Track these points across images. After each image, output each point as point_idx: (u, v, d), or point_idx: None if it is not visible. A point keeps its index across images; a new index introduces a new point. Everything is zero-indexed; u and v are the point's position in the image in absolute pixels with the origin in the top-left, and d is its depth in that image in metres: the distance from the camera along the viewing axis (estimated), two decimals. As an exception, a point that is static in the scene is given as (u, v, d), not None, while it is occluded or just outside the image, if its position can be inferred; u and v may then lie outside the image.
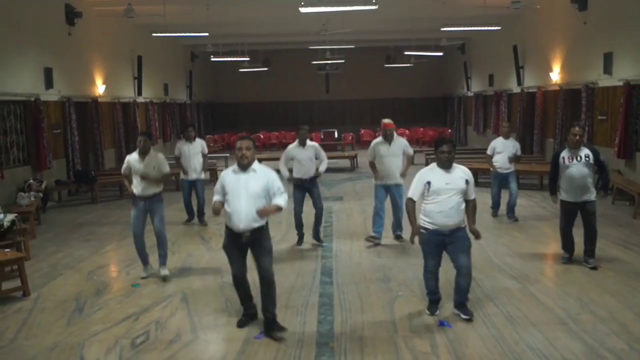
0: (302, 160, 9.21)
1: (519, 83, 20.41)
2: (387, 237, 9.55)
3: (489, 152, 11.33)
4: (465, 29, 19.16)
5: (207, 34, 19.73)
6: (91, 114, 16.91)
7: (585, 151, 7.74)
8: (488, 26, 17.48)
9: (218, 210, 5.86)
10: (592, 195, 7.78)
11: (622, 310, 6.36)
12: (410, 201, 6.20)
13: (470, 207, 6.21)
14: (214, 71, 31.82)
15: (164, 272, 7.93)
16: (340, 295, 7.11)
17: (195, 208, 11.44)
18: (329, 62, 28.34)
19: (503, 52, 21.57)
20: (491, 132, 23.45)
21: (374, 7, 12.76)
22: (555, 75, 17.42)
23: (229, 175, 5.90)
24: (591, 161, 7.68)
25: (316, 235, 9.57)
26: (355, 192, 15.05)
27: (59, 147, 14.83)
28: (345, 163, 20.76)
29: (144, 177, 7.66)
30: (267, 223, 5.95)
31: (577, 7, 15.00)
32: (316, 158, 9.36)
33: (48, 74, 14.16)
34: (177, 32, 18.39)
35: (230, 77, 31.47)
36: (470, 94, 27.06)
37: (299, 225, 9.47)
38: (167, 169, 7.97)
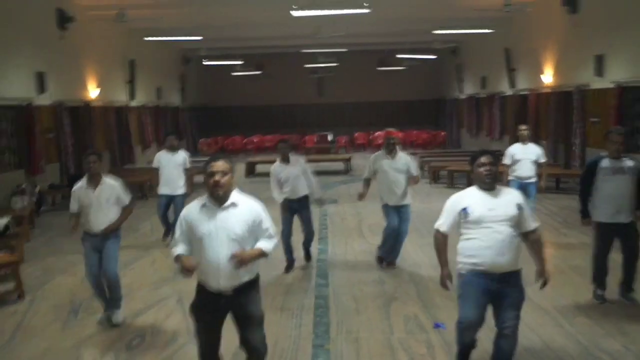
0: (288, 178, 8.02)
1: (512, 86, 20.49)
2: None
3: (506, 161, 9.44)
4: (458, 31, 19.25)
5: (200, 38, 19.71)
6: (84, 118, 16.85)
7: (628, 162, 6.41)
8: (480, 29, 17.57)
9: (191, 268, 4.13)
10: (632, 215, 6.46)
11: (617, 311, 6.39)
12: (440, 234, 4.73)
13: (534, 240, 4.71)
14: (207, 75, 31.78)
15: (116, 317, 6.36)
16: (336, 298, 7.12)
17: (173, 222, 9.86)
18: (322, 65, 28.38)
19: (495, 55, 21.65)
20: (485, 134, 23.52)
21: (366, 11, 12.79)
22: (547, 78, 17.50)
23: (195, 213, 4.22)
24: (636, 174, 6.38)
25: (306, 254, 8.59)
26: (349, 195, 15.06)
27: (53, 152, 14.77)
28: (339, 166, 20.77)
29: (108, 232, 6.25)
30: (257, 277, 4.39)
31: (568, 10, 15.07)
32: (307, 179, 8.20)
33: (40, 79, 14.10)
34: (170, 35, 18.38)
35: (223, 80, 31.42)
36: (463, 96, 27.15)
37: (288, 250, 8.18)
38: (126, 200, 6.42)
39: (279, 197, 8.02)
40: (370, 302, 6.91)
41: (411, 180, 8.09)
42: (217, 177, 4.11)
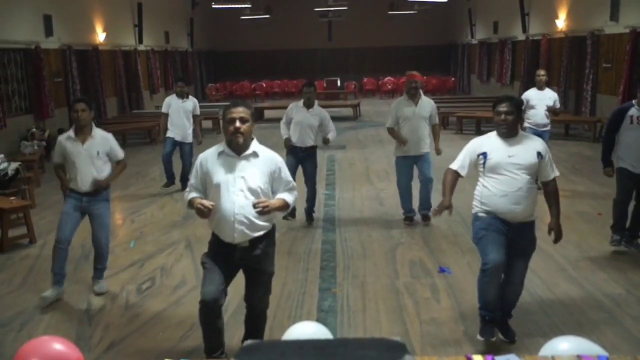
0: (301, 124, 7.56)
1: (524, 31, 20.13)
2: (391, 190, 9.58)
3: None
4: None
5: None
6: (92, 63, 16.79)
7: None
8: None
9: (205, 214, 3.90)
10: None
11: (622, 258, 6.43)
12: (454, 173, 4.60)
13: (550, 191, 4.57)
14: (215, 19, 31.35)
15: (100, 286, 5.86)
16: (343, 242, 7.20)
17: (179, 172, 9.87)
18: (332, 9, 27.90)
19: (509, -1, 21.22)
20: (495, 80, 23.27)
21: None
22: (561, 23, 17.17)
23: (213, 160, 4.03)
24: None
25: (308, 214, 8.01)
26: (358, 141, 15.05)
27: (61, 96, 14.77)
28: (348, 112, 20.68)
29: (97, 188, 5.63)
30: (274, 229, 4.26)
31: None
32: (323, 128, 7.71)
33: (48, 21, 14.00)
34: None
35: (231, 24, 31.01)
36: (474, 41, 26.72)
37: None
38: (120, 154, 5.84)
39: (284, 132, 7.72)
40: (377, 247, 6.99)
41: (437, 129, 7.75)
42: (237, 124, 3.87)
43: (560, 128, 14.43)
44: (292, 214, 7.77)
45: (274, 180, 4.06)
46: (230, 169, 3.95)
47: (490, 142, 4.50)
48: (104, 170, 5.70)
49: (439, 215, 4.76)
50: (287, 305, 5.49)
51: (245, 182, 3.93)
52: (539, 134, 8.49)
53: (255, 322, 4.36)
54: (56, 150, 5.77)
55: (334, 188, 9.97)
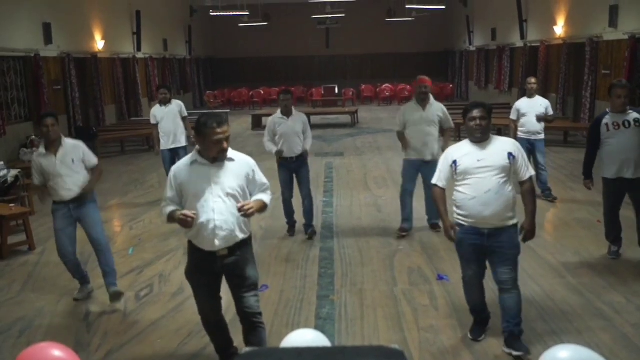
0: (286, 134, 7.36)
1: (522, 37, 20.18)
2: (391, 198, 9.59)
3: (512, 116, 9.17)
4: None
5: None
6: (91, 70, 16.82)
7: (634, 115, 6.17)
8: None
9: (189, 223, 3.89)
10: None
11: (621, 265, 6.42)
12: (437, 188, 4.70)
13: (525, 191, 4.53)
14: (214, 26, 31.42)
15: (114, 289, 5.81)
16: (341, 249, 7.20)
17: None
18: (330, 16, 27.98)
19: (506, 5, 21.24)
20: (493, 87, 23.32)
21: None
22: (559, 29, 17.22)
23: (186, 170, 4.03)
24: None
25: (307, 226, 7.74)
26: (356, 148, 15.06)
27: (60, 103, 14.78)
28: (346, 119, 20.69)
29: (86, 194, 5.73)
30: (250, 237, 4.24)
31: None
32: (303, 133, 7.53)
33: (47, 29, 14.03)
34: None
35: (230, 32, 31.06)
36: (472, 48, 26.78)
37: (290, 214, 7.72)
38: (94, 159, 5.86)
39: (271, 147, 7.46)
40: (375, 254, 6.98)
41: (448, 132, 7.60)
42: (225, 145, 3.91)
43: (558, 135, 14.47)
44: (309, 230, 7.70)
45: (249, 183, 4.08)
46: (205, 176, 3.96)
47: (460, 150, 4.57)
48: (83, 175, 5.73)
49: (452, 238, 4.69)
50: (285, 312, 5.49)
51: (222, 188, 3.95)
52: (532, 143, 8.78)
53: (255, 332, 4.22)
54: (34, 170, 5.73)
55: (332, 195, 9.98)
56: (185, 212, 3.90)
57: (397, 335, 4.97)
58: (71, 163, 5.64)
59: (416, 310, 5.44)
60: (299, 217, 7.79)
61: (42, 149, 5.73)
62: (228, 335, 4.40)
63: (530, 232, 4.57)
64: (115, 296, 5.75)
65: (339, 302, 5.69)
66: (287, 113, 7.42)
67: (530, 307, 5.38)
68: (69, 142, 5.75)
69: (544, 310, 5.34)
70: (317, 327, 5.07)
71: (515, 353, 4.50)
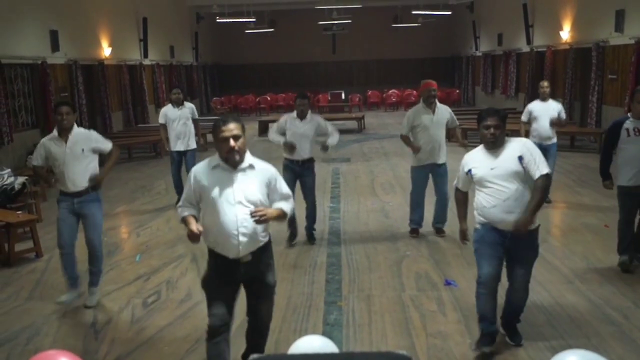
0: (297, 135, 7.24)
1: (529, 42, 20.17)
2: (400, 204, 9.58)
3: (523, 118, 9.08)
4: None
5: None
6: (98, 77, 16.90)
7: None
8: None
9: (195, 236, 3.89)
10: None
11: (630, 271, 6.37)
12: (459, 192, 4.76)
13: (536, 186, 4.39)
14: (220, 33, 31.53)
15: (92, 298, 5.85)
16: (348, 255, 7.18)
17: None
18: (336, 22, 28.03)
19: (512, 11, 21.26)
20: (499, 92, 23.31)
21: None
22: (566, 34, 17.21)
23: (207, 174, 3.94)
24: None
25: (309, 232, 7.69)
26: (363, 153, 15.06)
27: (67, 110, 14.83)
28: (353, 124, 20.70)
29: (98, 183, 5.73)
30: (270, 241, 4.16)
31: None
32: (322, 134, 7.46)
33: (54, 37, 14.11)
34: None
35: (236, 38, 31.17)
36: (478, 53, 26.78)
37: (291, 219, 6.90)
38: (108, 144, 5.82)
39: (278, 138, 7.33)
40: (382, 260, 6.97)
41: (458, 131, 7.68)
42: (232, 143, 3.78)
43: (566, 140, 14.42)
44: (311, 236, 7.67)
45: (271, 191, 3.99)
46: (227, 182, 3.87)
47: (473, 158, 4.60)
48: (91, 167, 5.71)
49: (465, 241, 4.86)
50: (293, 318, 5.48)
51: (245, 195, 3.86)
52: (544, 148, 8.44)
53: (259, 336, 4.25)
54: (37, 152, 5.75)
55: (339, 201, 9.97)
56: (193, 227, 3.87)
57: (404, 341, 4.95)
58: (80, 152, 5.60)
59: (424, 316, 5.42)
60: (302, 227, 7.72)
61: (54, 133, 5.68)
62: (227, 358, 4.11)
63: (522, 224, 4.36)
64: (86, 306, 5.82)
65: (347, 308, 5.68)
66: (302, 116, 7.32)
67: (539, 313, 5.35)
68: (80, 132, 5.71)
69: (552, 316, 5.31)
70: (324, 333, 5.06)
71: (510, 341, 4.76)
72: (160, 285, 6.44)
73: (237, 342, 4.46)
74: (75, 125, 5.70)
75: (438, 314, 5.48)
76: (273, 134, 7.46)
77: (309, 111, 7.41)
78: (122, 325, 5.50)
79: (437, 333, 5.08)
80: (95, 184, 5.69)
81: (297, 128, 7.28)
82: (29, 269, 7.12)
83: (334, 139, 7.50)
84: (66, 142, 5.60)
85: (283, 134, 7.36)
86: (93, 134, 5.81)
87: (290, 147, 7.20)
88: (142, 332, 5.32)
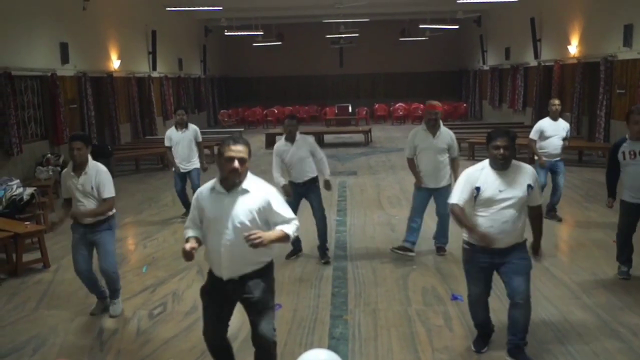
0: (293, 161, 7.25)
1: (536, 56, 20.18)
2: (402, 215, 9.56)
3: (533, 136, 8.82)
4: (482, 0, 18.92)
5: (220, 8, 19.65)
6: (107, 89, 17.00)
7: None
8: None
9: (187, 254, 3.90)
10: None
11: (636, 284, 6.35)
12: (457, 207, 4.62)
13: (535, 216, 4.68)
14: (228, 46, 31.72)
15: (114, 308, 5.98)
16: (354, 269, 7.17)
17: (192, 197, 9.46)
18: (343, 35, 28.16)
19: (520, 25, 21.30)
20: (507, 106, 23.30)
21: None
22: (573, 48, 17.21)
23: (206, 196, 4.01)
24: None
25: (322, 250, 7.54)
26: (369, 167, 15.06)
27: (76, 122, 14.93)
28: (360, 138, 20.71)
29: (74, 218, 5.77)
30: (272, 263, 4.15)
31: (596, -22, 14.77)
32: (313, 154, 7.36)
33: (64, 49, 14.23)
34: (190, 6, 18.30)
35: (244, 51, 31.35)
36: (486, 67, 26.81)
37: (295, 239, 7.01)
38: (108, 193, 5.74)
39: (279, 178, 7.20)
40: (389, 274, 6.95)
41: (456, 163, 7.30)
42: (236, 164, 3.79)
43: (573, 154, 14.38)
44: (324, 254, 7.50)
45: (267, 214, 3.92)
46: (219, 206, 3.90)
47: (483, 176, 4.55)
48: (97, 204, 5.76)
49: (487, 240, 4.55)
50: (298, 332, 5.47)
51: (232, 220, 3.86)
52: (554, 164, 8.62)
53: (262, 350, 4.11)
54: (62, 185, 5.91)
55: (345, 214, 9.96)
56: (186, 246, 3.93)
57: (410, 356, 4.93)
58: (90, 190, 5.68)
59: (430, 331, 5.39)
60: (306, 243, 7.69)
61: (69, 168, 5.78)
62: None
63: (539, 251, 4.80)
64: (110, 315, 5.94)
65: (353, 321, 5.66)
66: (291, 139, 7.28)
67: (547, 329, 5.32)
68: (93, 169, 5.74)
69: (560, 332, 5.28)
70: (330, 347, 5.04)
71: None
72: (166, 297, 6.44)
73: (250, 354, 4.45)
74: (90, 161, 5.76)
75: (445, 328, 5.45)
76: (274, 172, 7.28)
77: (297, 132, 7.35)
78: (128, 336, 5.49)
79: (444, 348, 5.05)
80: (90, 217, 5.73)
81: (291, 154, 7.25)
82: (35, 279, 7.14)
83: (327, 169, 7.47)
84: (78, 177, 5.69)
85: (283, 161, 7.30)
86: (103, 173, 5.76)
87: (286, 193, 7.04)
88: (147, 344, 5.32)
